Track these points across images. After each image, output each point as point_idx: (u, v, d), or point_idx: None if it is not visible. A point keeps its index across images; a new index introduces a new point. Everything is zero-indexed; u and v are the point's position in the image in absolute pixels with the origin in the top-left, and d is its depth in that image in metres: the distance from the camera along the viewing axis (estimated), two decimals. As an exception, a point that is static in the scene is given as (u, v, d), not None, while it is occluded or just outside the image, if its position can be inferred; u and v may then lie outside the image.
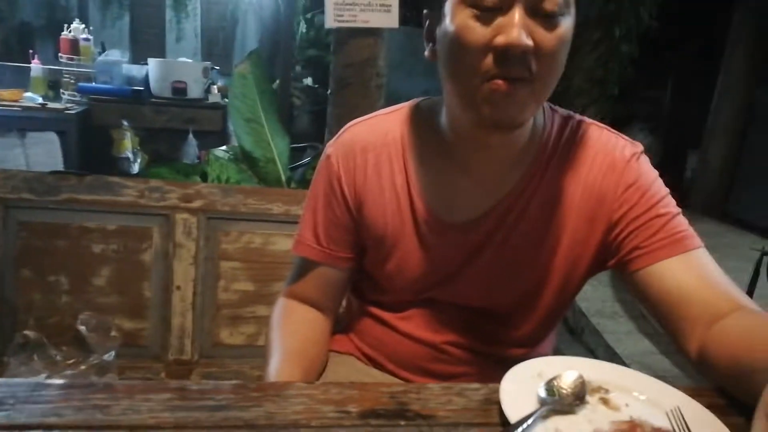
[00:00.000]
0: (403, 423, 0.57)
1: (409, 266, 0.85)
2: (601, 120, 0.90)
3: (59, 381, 0.60)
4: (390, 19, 1.44)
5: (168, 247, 1.36)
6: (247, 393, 0.60)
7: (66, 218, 1.32)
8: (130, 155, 3.54)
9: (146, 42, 7.12)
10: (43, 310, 1.31)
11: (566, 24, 0.69)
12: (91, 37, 3.70)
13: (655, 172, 0.84)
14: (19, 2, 6.53)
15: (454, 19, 0.70)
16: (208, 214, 1.37)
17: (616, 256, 0.81)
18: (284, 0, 4.85)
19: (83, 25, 3.70)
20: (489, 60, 0.68)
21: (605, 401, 0.63)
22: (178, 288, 1.38)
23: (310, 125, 5.47)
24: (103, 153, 3.48)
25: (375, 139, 0.86)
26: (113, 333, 1.29)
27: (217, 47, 7.41)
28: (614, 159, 0.82)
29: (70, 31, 3.64)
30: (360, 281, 0.95)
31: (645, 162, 0.84)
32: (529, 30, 0.66)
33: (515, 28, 0.65)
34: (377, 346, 0.94)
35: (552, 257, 0.84)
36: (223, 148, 2.27)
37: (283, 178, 1.93)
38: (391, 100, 1.16)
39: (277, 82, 3.58)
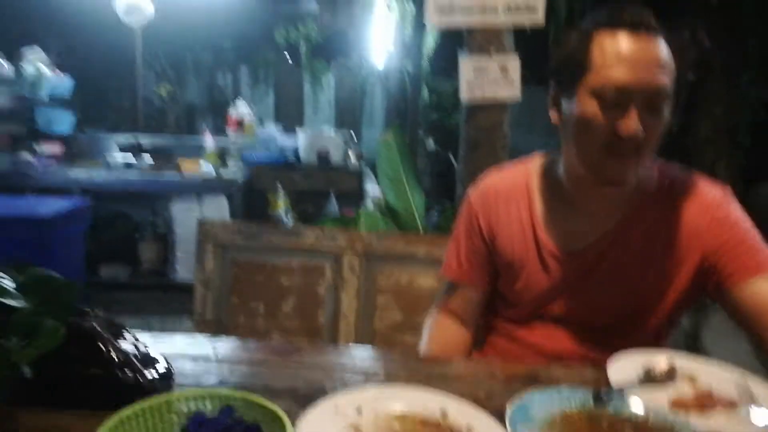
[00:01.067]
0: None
1: (533, 285, 1.11)
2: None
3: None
4: (513, 93, 1.75)
5: (337, 282, 1.71)
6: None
7: (263, 257, 1.72)
8: (283, 214, 4.10)
9: (288, 115, 8.06)
10: (245, 329, 1.70)
11: (668, 109, 0.95)
12: (253, 113, 4.40)
13: (741, 210, 1.06)
14: (187, 86, 7.75)
15: (583, 105, 0.97)
16: (367, 256, 1.71)
17: (712, 280, 1.01)
18: (409, 71, 5.39)
19: (246, 105, 4.42)
20: (609, 140, 0.95)
21: (692, 381, 0.83)
22: (345, 316, 1.72)
23: (433, 184, 5.85)
24: (261, 212, 4.06)
25: (505, 186, 1.16)
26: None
27: (348, 116, 8.17)
28: (706, 199, 1.05)
29: (235, 110, 4.36)
30: (493, 300, 1.21)
31: (732, 201, 1.06)
32: (643, 118, 0.93)
33: (634, 121, 0.92)
34: (504, 356, 1.19)
35: (650, 282, 1.06)
36: (369, 204, 2.66)
37: (420, 226, 2.26)
38: (514, 154, 1.43)
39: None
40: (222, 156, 4.32)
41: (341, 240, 1.71)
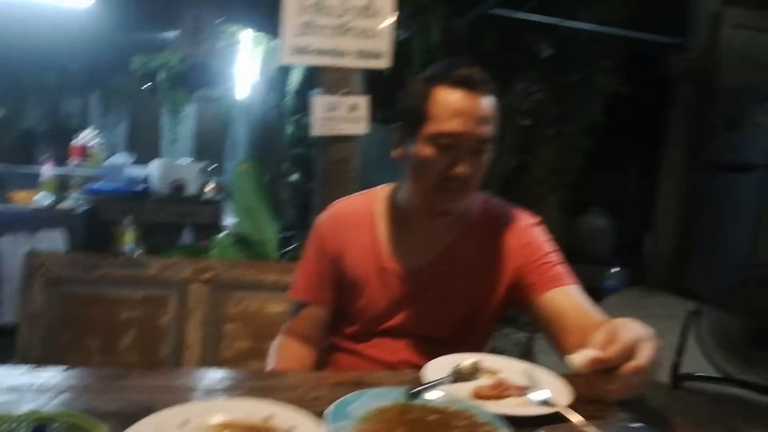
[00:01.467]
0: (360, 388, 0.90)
1: (374, 302, 1.21)
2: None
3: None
4: (361, 128, 1.90)
5: (182, 313, 1.68)
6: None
7: (101, 290, 1.63)
8: (131, 248, 3.87)
9: (143, 145, 7.66)
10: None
11: (488, 155, 1.14)
12: (100, 142, 4.14)
13: (547, 235, 1.24)
14: (25, 109, 7.06)
15: (422, 148, 1.13)
16: (215, 285, 1.70)
17: (520, 294, 1.18)
18: (273, 104, 5.42)
19: (93, 132, 4.15)
20: (441, 179, 1.11)
21: (493, 376, 0.96)
22: (189, 347, 1.68)
23: (296, 215, 5.87)
24: (106, 246, 3.80)
25: (351, 211, 1.27)
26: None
27: (209, 148, 7.95)
28: (519, 225, 1.24)
29: (81, 138, 4.08)
30: (336, 320, 1.28)
31: (538, 227, 1.25)
32: (470, 162, 1.10)
33: (463, 165, 1.09)
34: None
35: (475, 296, 1.21)
36: (223, 233, 2.63)
37: (274, 256, 2.28)
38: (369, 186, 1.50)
39: (267, 177, 4.02)
40: (62, 186, 4.00)
41: (187, 269, 1.69)
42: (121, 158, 4.20)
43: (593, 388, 0.85)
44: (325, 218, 1.29)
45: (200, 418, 0.72)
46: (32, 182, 3.93)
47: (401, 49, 5.60)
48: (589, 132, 4.92)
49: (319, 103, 1.87)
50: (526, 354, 3.12)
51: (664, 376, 2.61)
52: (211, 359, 1.69)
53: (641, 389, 0.86)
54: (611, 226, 5.42)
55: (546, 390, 0.86)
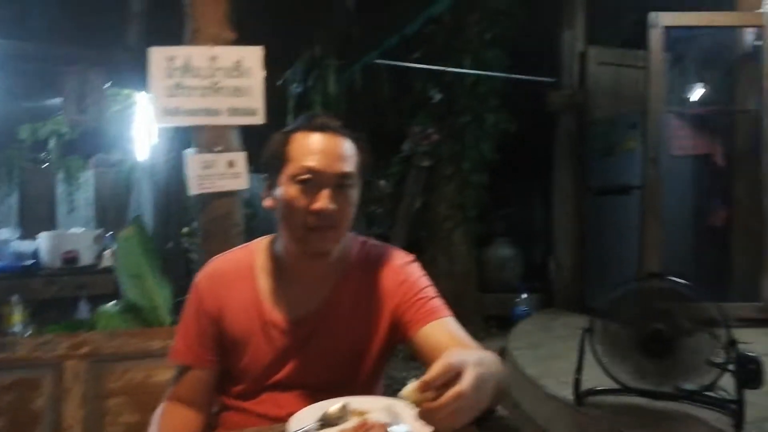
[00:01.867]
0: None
1: (259, 357, 1.20)
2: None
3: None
4: (240, 183, 1.90)
5: (58, 393, 1.57)
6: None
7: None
8: (20, 328, 3.58)
9: (36, 216, 7.20)
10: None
11: (354, 192, 1.18)
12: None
13: (421, 272, 1.30)
14: None
15: (286, 189, 1.16)
16: (94, 358, 1.61)
17: (401, 331, 1.21)
18: (174, 166, 5.30)
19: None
20: (307, 218, 1.14)
21: (361, 417, 0.97)
22: (68, 429, 1.57)
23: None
24: (-8, 329, 3.50)
25: (230, 267, 1.26)
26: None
27: (110, 214, 7.60)
28: (394, 265, 1.28)
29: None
30: (222, 378, 1.25)
31: (413, 265, 1.30)
32: (333, 198, 1.14)
33: (325, 199, 1.13)
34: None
35: (360, 339, 1.24)
36: (111, 303, 2.51)
37: (167, 322, 2.20)
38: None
39: (171, 243, 3.89)
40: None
41: (62, 346, 1.59)
42: (4, 234, 3.93)
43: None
44: (202, 276, 1.27)
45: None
46: None
47: (302, 101, 5.71)
48: (484, 168, 5.19)
49: (194, 161, 1.86)
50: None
51: (568, 394, 2.72)
52: (95, 439, 1.59)
53: (469, 416, 0.82)
54: (517, 254, 5.67)
55: (406, 424, 0.89)
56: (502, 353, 3.90)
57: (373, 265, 1.27)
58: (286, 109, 5.10)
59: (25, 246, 3.96)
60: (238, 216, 1.96)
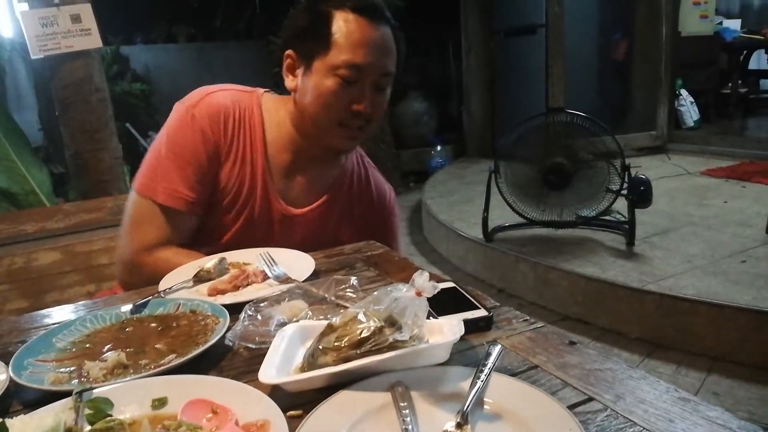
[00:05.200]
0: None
1: (249, 222, 1.05)
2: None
3: None
4: (92, 41, 1.63)
5: (-73, 287, 1.43)
6: None
7: None
8: None
9: None
10: None
11: (389, 92, 1.04)
12: None
13: (396, 211, 1.26)
14: None
15: (323, 80, 0.98)
16: (-37, 249, 1.46)
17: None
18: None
19: None
20: (344, 114, 1.00)
21: (240, 269, 0.92)
22: (-50, 324, 1.45)
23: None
24: None
25: (236, 111, 1.04)
26: None
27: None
28: (383, 191, 1.22)
29: None
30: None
31: (394, 202, 1.26)
32: (373, 99, 1.00)
33: (365, 100, 0.99)
34: None
35: (332, 243, 1.12)
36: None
37: (48, 205, 2.02)
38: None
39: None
40: None
41: None
42: None
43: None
44: (200, 109, 1.01)
45: None
46: None
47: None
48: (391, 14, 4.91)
49: (31, 18, 1.56)
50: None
51: (479, 233, 2.84)
52: (-16, 331, 1.48)
53: None
54: (431, 107, 5.62)
55: (281, 269, 0.84)
56: (419, 205, 4.00)
57: (367, 185, 1.19)
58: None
59: None
60: (100, 80, 1.71)
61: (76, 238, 1.57)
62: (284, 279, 0.82)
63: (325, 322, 0.61)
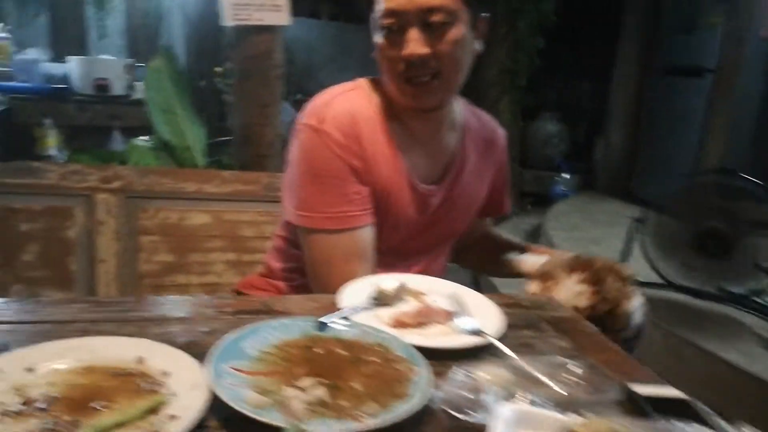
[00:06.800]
0: (265, 317, 0.78)
1: (400, 216, 1.04)
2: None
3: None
4: (281, 18, 1.64)
5: (90, 225, 1.51)
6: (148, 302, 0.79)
7: (-7, 201, 1.44)
8: (56, 152, 3.56)
9: (68, 40, 6.96)
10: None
11: (456, 30, 0.95)
12: (8, 36, 3.68)
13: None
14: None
15: (377, 39, 0.98)
16: (126, 194, 1.52)
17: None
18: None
19: (0, 24, 3.67)
20: (401, 66, 0.95)
21: (418, 299, 0.86)
22: (102, 261, 1.53)
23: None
24: (27, 151, 3.48)
25: (360, 112, 1.00)
26: (42, 302, 1.43)
27: (141, 44, 7.31)
28: (500, 143, 1.21)
29: (-16, 30, 3.61)
30: None
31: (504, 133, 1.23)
32: (425, 41, 0.93)
33: (410, 43, 0.93)
34: None
35: (468, 211, 1.16)
36: (144, 138, 2.39)
37: (200, 164, 2.08)
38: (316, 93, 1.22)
39: (203, 82, 3.68)
40: (-32, 85, 3.58)
41: (93, 177, 1.50)
42: (33, 54, 3.76)
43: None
44: (327, 125, 0.97)
45: (52, 360, 0.59)
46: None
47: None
48: (541, 31, 4.72)
49: (229, -13, 1.59)
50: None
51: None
52: (129, 275, 1.55)
53: None
54: (563, 131, 5.37)
55: (472, 318, 0.77)
56: (537, 231, 3.82)
57: (486, 132, 1.18)
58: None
59: (56, 69, 3.80)
60: (279, 57, 1.72)
61: (228, 206, 1.60)
62: (476, 333, 0.74)
63: (554, 416, 0.53)
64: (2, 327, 0.69)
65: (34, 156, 3.52)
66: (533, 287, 0.95)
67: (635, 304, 0.96)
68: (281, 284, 1.16)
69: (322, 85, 1.06)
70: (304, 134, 0.99)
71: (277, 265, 1.18)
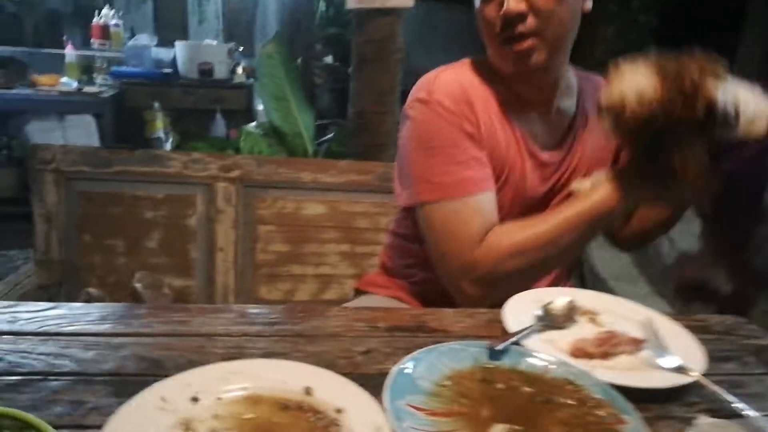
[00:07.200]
0: (422, 335, 0.70)
1: (520, 190, 0.97)
2: None
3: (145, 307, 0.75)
4: (406, 0, 1.55)
5: (211, 213, 1.50)
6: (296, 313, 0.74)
7: (119, 188, 1.46)
8: (162, 135, 3.70)
9: (170, 25, 7.25)
10: (103, 270, 1.47)
11: None
12: (120, 22, 3.84)
13: None
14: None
15: (475, 5, 0.93)
16: (245, 183, 1.51)
17: None
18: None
19: (113, 11, 3.84)
20: (498, 27, 0.88)
21: (593, 320, 0.75)
22: (221, 249, 1.52)
23: (332, 102, 5.56)
24: (136, 133, 3.64)
25: (469, 80, 0.96)
26: (165, 290, 1.45)
27: (238, 28, 7.48)
28: None
29: (101, 18, 3.78)
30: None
31: None
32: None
33: (507, 1, 0.86)
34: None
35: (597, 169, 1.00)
36: (254, 124, 2.40)
37: (310, 150, 2.06)
38: (410, 75, 1.23)
39: (299, 61, 3.68)
40: (86, 70, 3.78)
41: (213, 166, 1.49)
42: (143, 39, 3.91)
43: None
44: (440, 95, 0.92)
45: (216, 388, 0.53)
46: (55, 65, 3.73)
47: None
48: (656, 8, 4.35)
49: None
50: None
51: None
52: (246, 264, 1.54)
53: None
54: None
55: (665, 346, 0.65)
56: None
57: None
58: None
59: (163, 54, 3.93)
60: (399, 41, 1.63)
61: (343, 196, 1.55)
62: (678, 369, 0.62)
63: None
64: (148, 340, 0.65)
65: (143, 138, 3.68)
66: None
67: (730, 95, 0.73)
68: (402, 281, 1.11)
69: (414, 68, 1.01)
70: (414, 110, 0.95)
71: (395, 262, 1.13)
